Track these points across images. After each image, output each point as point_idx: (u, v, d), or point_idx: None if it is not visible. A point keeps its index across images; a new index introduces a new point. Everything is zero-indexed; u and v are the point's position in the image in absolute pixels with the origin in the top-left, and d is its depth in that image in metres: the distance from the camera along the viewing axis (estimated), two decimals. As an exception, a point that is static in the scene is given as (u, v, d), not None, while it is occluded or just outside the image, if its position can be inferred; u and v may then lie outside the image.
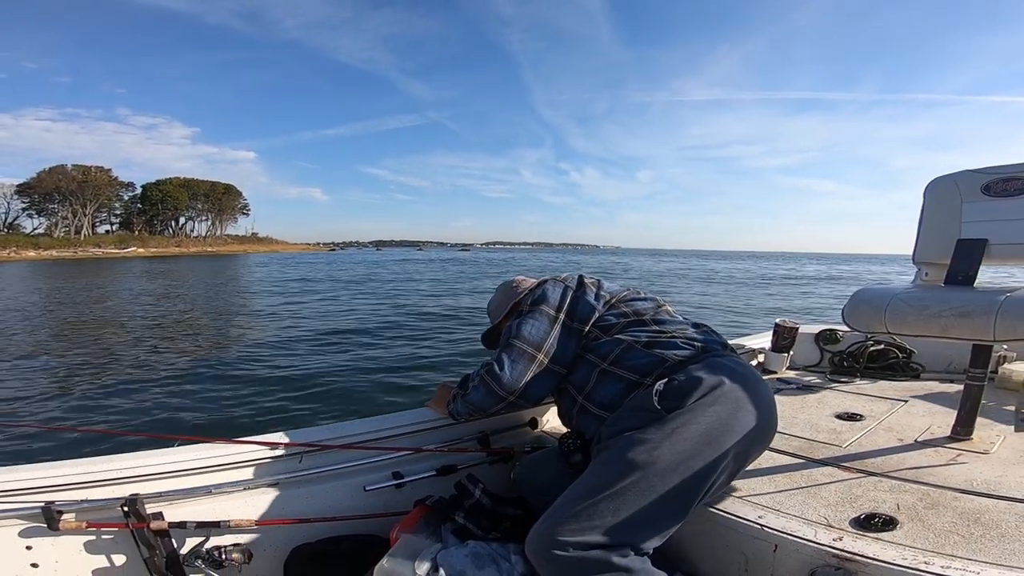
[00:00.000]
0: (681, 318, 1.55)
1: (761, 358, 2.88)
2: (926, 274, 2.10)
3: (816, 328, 3.00)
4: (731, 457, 1.21)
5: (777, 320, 2.86)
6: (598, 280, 1.64)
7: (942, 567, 1.05)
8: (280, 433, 1.59)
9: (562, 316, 1.50)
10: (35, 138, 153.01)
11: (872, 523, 1.23)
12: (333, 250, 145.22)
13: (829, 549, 1.15)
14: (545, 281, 1.62)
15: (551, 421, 2.04)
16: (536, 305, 1.52)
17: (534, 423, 2.02)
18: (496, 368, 1.46)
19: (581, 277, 1.63)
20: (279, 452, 1.55)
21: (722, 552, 1.34)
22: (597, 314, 1.51)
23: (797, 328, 2.83)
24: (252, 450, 1.51)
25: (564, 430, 1.60)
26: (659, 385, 1.25)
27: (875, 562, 1.09)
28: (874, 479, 1.49)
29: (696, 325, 1.51)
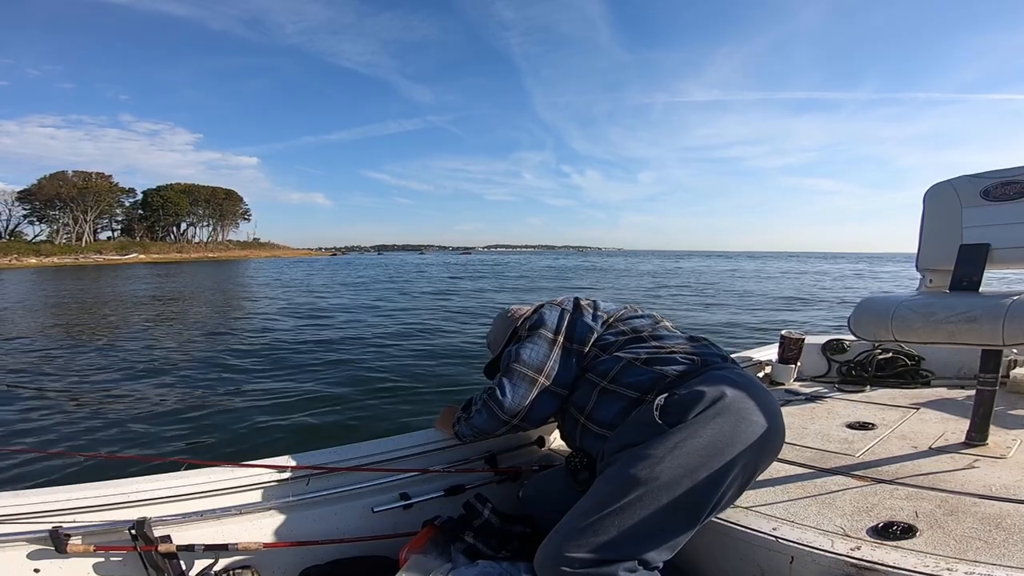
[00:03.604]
0: (679, 333, 1.55)
1: (768, 370, 2.86)
2: (930, 281, 2.10)
3: (823, 338, 2.99)
4: (739, 468, 1.19)
5: (783, 331, 2.85)
6: (594, 301, 1.65)
7: (966, 573, 1.04)
8: (287, 456, 1.59)
9: (561, 339, 1.51)
10: (40, 145, 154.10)
11: (890, 531, 1.21)
12: (335, 255, 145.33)
13: (847, 559, 1.13)
14: (542, 306, 1.63)
15: (558, 439, 2.03)
16: (534, 330, 1.53)
17: (541, 442, 2.00)
18: (498, 393, 1.46)
19: (577, 299, 1.64)
20: (286, 475, 1.54)
21: (737, 565, 1.32)
22: (595, 334, 1.52)
23: (803, 339, 2.82)
24: (259, 473, 1.51)
25: None
26: (660, 400, 1.25)
27: (896, 570, 1.07)
28: (890, 487, 1.47)
29: (695, 339, 1.51)
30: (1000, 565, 1.06)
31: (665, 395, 1.26)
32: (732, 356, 1.48)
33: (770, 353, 2.94)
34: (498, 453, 1.86)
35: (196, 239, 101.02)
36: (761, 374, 2.85)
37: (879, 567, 1.09)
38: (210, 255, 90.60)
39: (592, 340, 1.51)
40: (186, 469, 1.47)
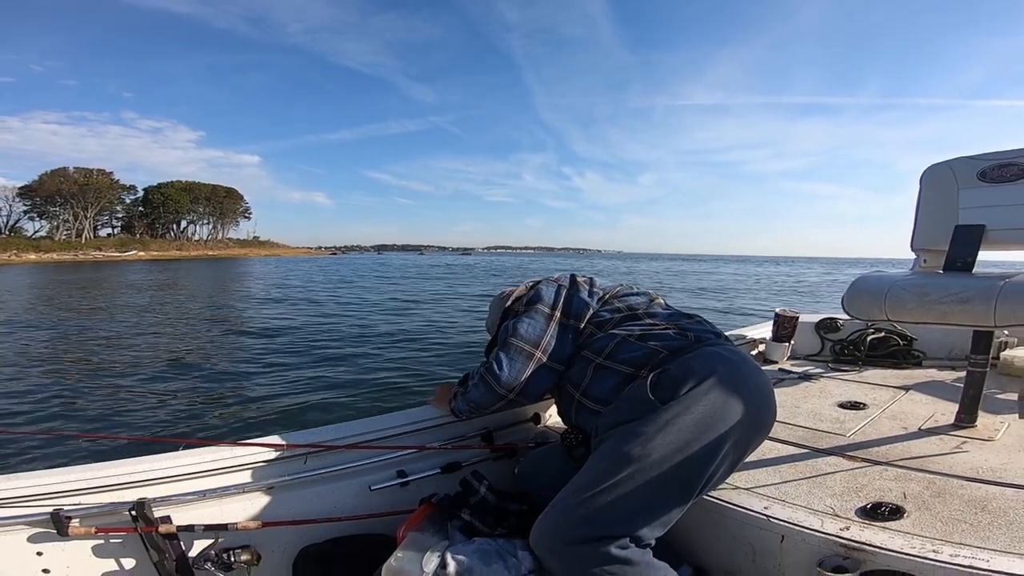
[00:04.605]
0: (674, 310, 1.56)
1: (762, 348, 2.88)
2: (924, 261, 2.11)
3: (816, 317, 3.00)
4: (729, 445, 1.20)
5: (777, 309, 2.86)
6: (590, 278, 1.65)
7: (951, 555, 1.06)
8: (285, 435, 1.59)
9: (557, 314, 1.51)
10: (43, 141, 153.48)
11: (879, 512, 1.24)
12: (334, 254, 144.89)
13: (836, 539, 1.15)
14: (539, 282, 1.63)
15: (554, 416, 2.04)
16: (531, 305, 1.53)
17: (537, 419, 2.02)
18: (495, 367, 1.47)
19: (573, 276, 1.64)
20: (284, 454, 1.54)
21: (729, 544, 1.35)
22: (591, 311, 1.52)
23: (797, 317, 2.84)
24: (257, 452, 1.51)
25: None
26: (652, 376, 1.25)
27: (883, 551, 1.09)
28: (879, 468, 1.49)
29: (689, 316, 1.51)
30: (985, 548, 1.08)
31: (657, 371, 1.27)
32: (726, 333, 1.49)
33: (764, 331, 2.96)
34: (494, 430, 1.87)
35: (196, 237, 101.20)
36: (755, 352, 2.87)
37: (867, 547, 1.11)
38: (210, 253, 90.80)
39: (588, 316, 1.51)
40: (184, 449, 1.47)
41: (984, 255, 1.80)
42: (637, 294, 1.61)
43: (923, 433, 1.72)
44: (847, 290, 1.86)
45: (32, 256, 65.41)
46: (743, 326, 3.21)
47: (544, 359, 1.47)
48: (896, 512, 1.23)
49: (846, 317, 2.48)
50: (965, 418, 1.74)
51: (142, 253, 79.06)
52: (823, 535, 1.17)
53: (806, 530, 1.20)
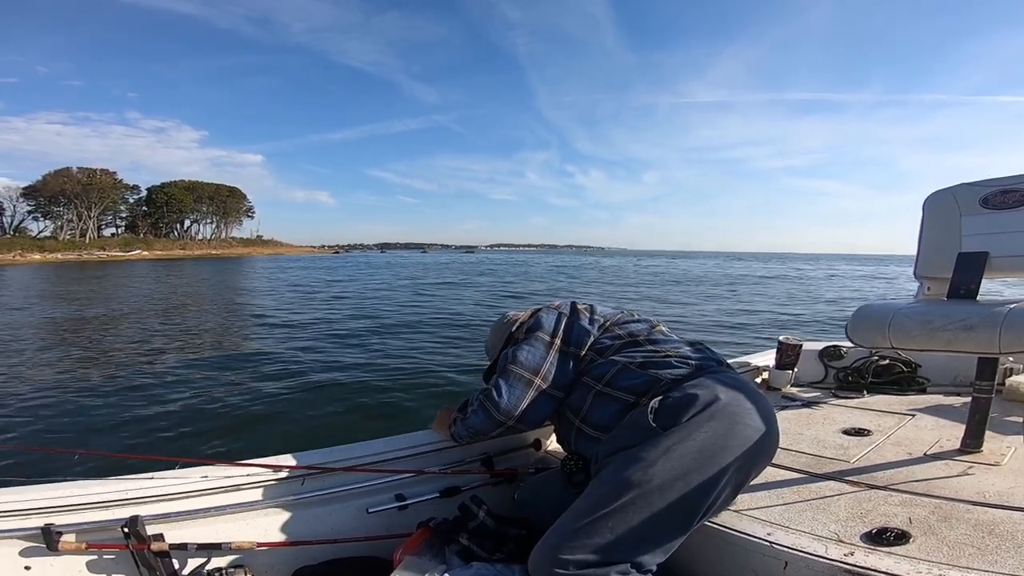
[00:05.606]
0: (676, 337, 1.56)
1: (765, 375, 2.87)
2: (928, 288, 2.10)
3: (820, 344, 2.99)
4: (732, 472, 1.19)
5: (780, 337, 2.85)
6: (591, 305, 1.66)
7: None
8: (282, 456, 1.59)
9: (557, 341, 1.51)
10: (47, 142, 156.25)
11: (884, 537, 1.21)
12: (337, 252, 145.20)
13: (841, 564, 1.13)
14: (539, 310, 1.64)
15: (555, 442, 2.02)
16: (531, 332, 1.54)
17: (538, 444, 2.00)
18: (494, 394, 1.47)
19: (574, 303, 1.65)
20: (281, 474, 1.54)
21: (731, 570, 1.32)
22: (592, 338, 1.53)
23: (801, 345, 2.82)
24: (254, 472, 1.51)
25: None
26: (654, 403, 1.25)
27: None
28: (884, 493, 1.47)
29: (691, 343, 1.51)
30: (992, 572, 1.06)
31: (659, 398, 1.26)
32: (729, 361, 1.48)
33: (767, 359, 2.94)
34: (494, 455, 1.86)
35: (200, 236, 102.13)
36: (758, 379, 2.85)
37: (872, 573, 1.09)
38: (213, 252, 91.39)
39: (589, 344, 1.51)
40: (180, 467, 1.47)
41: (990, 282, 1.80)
42: (638, 321, 1.61)
43: (928, 458, 1.70)
44: (851, 318, 1.86)
45: (37, 256, 66.27)
46: (746, 353, 3.19)
47: (544, 386, 1.47)
48: (901, 537, 1.21)
49: (850, 345, 2.46)
50: (971, 443, 1.71)
51: (146, 253, 79.91)
52: (827, 561, 1.15)
53: (810, 556, 1.18)
